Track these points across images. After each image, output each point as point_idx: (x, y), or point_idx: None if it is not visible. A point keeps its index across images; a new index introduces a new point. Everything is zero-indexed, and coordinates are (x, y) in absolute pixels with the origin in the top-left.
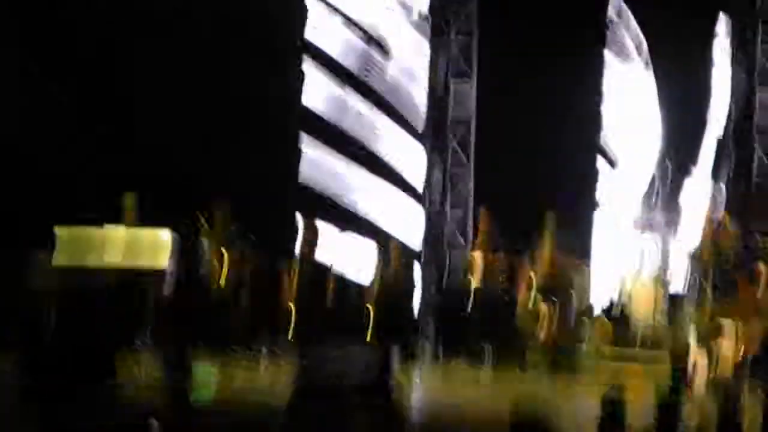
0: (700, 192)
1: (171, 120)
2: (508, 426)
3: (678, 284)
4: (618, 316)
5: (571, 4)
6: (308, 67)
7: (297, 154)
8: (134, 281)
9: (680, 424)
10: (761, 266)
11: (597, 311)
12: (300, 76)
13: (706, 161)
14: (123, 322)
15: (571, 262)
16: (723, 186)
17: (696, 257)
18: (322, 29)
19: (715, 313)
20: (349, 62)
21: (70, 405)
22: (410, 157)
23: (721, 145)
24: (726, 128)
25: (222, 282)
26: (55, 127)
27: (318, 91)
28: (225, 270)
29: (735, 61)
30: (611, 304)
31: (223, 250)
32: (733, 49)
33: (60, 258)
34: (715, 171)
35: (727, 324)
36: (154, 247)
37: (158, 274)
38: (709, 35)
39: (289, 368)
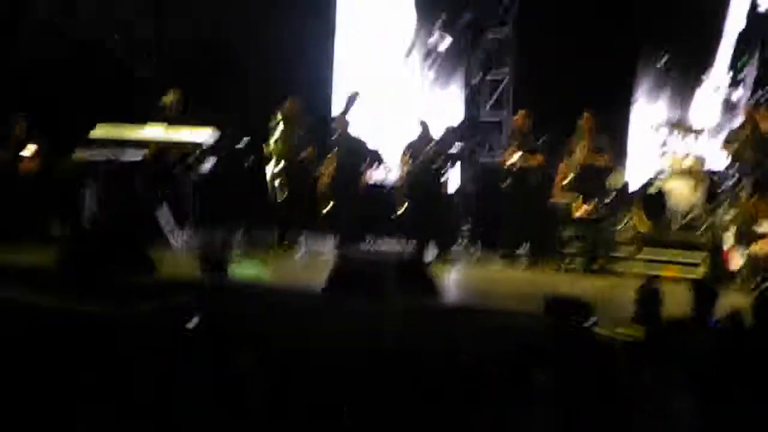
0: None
1: None
2: (543, 306)
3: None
4: (656, 196)
5: None
6: None
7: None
8: (174, 157)
9: (715, 308)
10: None
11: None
12: None
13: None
14: (160, 201)
15: (607, 160)
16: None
17: (733, 145)
18: None
19: (755, 210)
20: None
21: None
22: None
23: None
24: None
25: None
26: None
27: None
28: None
29: None
30: (650, 183)
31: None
32: None
33: (99, 131)
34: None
35: (766, 226)
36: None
37: (199, 147)
38: None
39: (325, 259)
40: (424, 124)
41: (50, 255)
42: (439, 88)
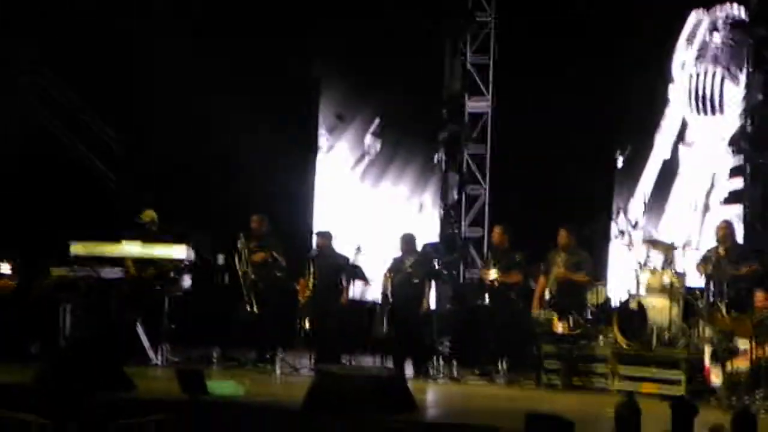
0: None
1: None
2: (524, 422)
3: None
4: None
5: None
6: None
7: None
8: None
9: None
10: None
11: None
12: None
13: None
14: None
15: (584, 277)
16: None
17: (707, 265)
18: None
19: (732, 328)
20: None
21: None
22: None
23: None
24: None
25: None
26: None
27: None
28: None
29: None
30: (629, 299)
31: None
32: None
33: (77, 248)
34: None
35: (743, 345)
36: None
37: (176, 265)
38: None
39: (303, 379)
40: (406, 239)
41: (29, 373)
42: (417, 204)
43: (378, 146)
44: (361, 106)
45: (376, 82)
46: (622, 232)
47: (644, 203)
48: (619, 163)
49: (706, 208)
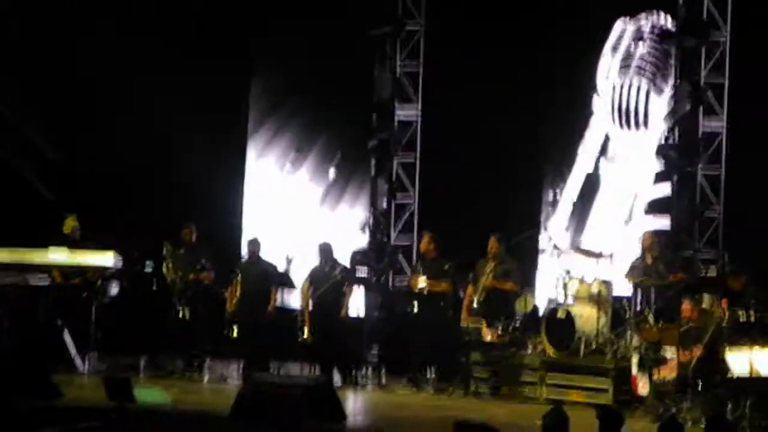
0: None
1: None
2: (451, 429)
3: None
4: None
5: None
6: None
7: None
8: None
9: None
10: (705, 297)
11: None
12: None
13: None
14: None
15: (513, 286)
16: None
17: (635, 274)
18: None
19: (660, 337)
20: None
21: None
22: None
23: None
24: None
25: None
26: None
27: None
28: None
29: None
30: (557, 308)
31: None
32: None
33: (3, 255)
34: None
35: (670, 354)
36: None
37: (103, 272)
38: None
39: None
40: (324, 249)
41: None
42: (345, 212)
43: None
44: (292, 113)
45: (307, 84)
46: (549, 240)
47: (569, 214)
48: (550, 196)
49: (630, 218)
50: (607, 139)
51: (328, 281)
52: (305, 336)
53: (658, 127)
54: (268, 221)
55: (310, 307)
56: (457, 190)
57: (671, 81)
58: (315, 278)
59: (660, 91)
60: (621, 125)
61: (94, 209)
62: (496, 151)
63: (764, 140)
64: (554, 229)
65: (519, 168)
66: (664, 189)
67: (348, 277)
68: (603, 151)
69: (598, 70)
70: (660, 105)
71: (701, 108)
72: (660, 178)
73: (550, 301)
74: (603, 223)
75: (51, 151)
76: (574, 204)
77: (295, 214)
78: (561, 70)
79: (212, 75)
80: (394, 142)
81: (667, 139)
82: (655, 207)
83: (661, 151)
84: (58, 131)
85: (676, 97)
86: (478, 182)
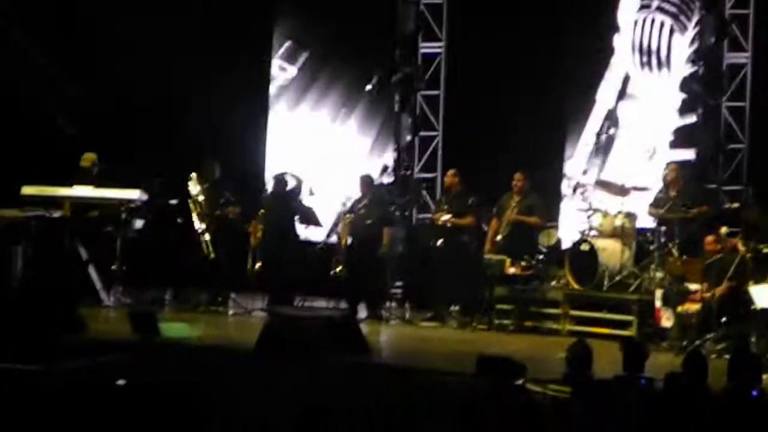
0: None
1: None
2: (475, 364)
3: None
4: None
5: None
6: None
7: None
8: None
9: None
10: (723, 230)
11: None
12: None
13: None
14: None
15: (538, 219)
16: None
17: (659, 208)
18: None
19: (684, 271)
20: None
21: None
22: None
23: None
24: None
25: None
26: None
27: None
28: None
29: None
30: (581, 242)
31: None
32: None
33: (29, 190)
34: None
35: (694, 287)
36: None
37: (128, 206)
38: None
39: (255, 321)
40: (365, 180)
41: None
42: (371, 148)
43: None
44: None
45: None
46: (571, 178)
47: (591, 151)
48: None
49: (654, 151)
50: (627, 79)
51: (370, 216)
52: (338, 270)
53: (680, 69)
54: (291, 158)
55: (348, 241)
56: (481, 125)
57: (695, 19)
58: (353, 210)
59: (683, 30)
60: (642, 66)
61: (116, 147)
62: (519, 85)
63: None
64: (578, 164)
65: (543, 102)
66: (690, 120)
67: (372, 212)
68: (622, 93)
69: (619, 7)
70: (683, 44)
71: (726, 41)
72: (685, 110)
73: (575, 235)
74: (624, 160)
75: (72, 87)
76: (596, 142)
77: (320, 150)
78: (584, 5)
79: (235, 17)
80: (417, 77)
81: (693, 72)
82: (680, 139)
83: (686, 85)
84: (78, 70)
85: (700, 30)
86: (501, 117)
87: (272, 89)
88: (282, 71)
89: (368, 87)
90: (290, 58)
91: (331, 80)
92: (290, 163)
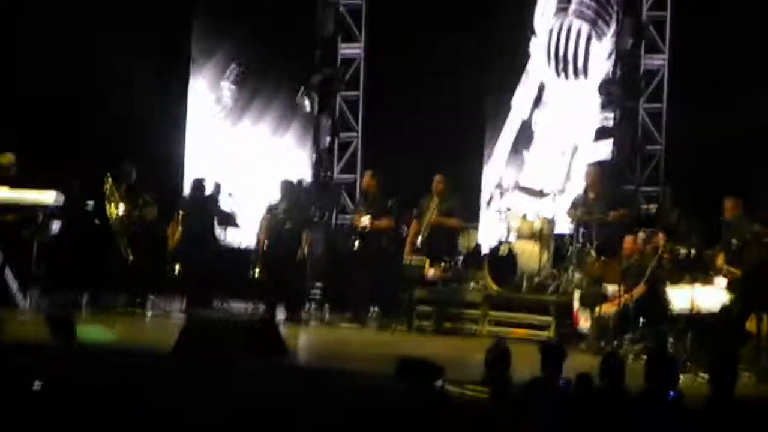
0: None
1: None
2: (395, 367)
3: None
4: (506, 258)
5: None
6: None
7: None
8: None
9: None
10: (641, 235)
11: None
12: None
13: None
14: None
15: (457, 223)
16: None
17: (577, 210)
18: None
19: (601, 273)
20: None
21: None
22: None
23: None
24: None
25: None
26: None
27: None
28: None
29: None
30: (499, 245)
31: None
32: None
33: None
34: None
35: (611, 290)
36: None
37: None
38: None
39: (174, 323)
40: (285, 185)
41: None
42: (289, 150)
43: (233, 92)
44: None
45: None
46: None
47: (508, 156)
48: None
49: (576, 149)
50: (542, 87)
51: (288, 220)
52: (257, 274)
53: (598, 76)
54: (209, 161)
55: (265, 246)
56: (401, 127)
57: (613, 25)
58: (271, 213)
59: (602, 36)
60: (558, 74)
61: (31, 148)
62: (438, 87)
63: (706, 76)
64: (497, 167)
65: (462, 104)
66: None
67: (292, 215)
68: (537, 101)
69: (536, 10)
70: (601, 51)
71: (643, 44)
72: (605, 108)
73: (494, 238)
74: (542, 163)
75: None
76: (512, 147)
77: (239, 153)
78: (503, 8)
79: (153, 17)
80: (337, 79)
81: (611, 74)
82: (603, 133)
83: (603, 88)
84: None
85: (618, 32)
86: (421, 119)
87: (191, 89)
88: (199, 71)
89: (298, 97)
90: (206, 52)
91: (255, 86)
92: (210, 165)
